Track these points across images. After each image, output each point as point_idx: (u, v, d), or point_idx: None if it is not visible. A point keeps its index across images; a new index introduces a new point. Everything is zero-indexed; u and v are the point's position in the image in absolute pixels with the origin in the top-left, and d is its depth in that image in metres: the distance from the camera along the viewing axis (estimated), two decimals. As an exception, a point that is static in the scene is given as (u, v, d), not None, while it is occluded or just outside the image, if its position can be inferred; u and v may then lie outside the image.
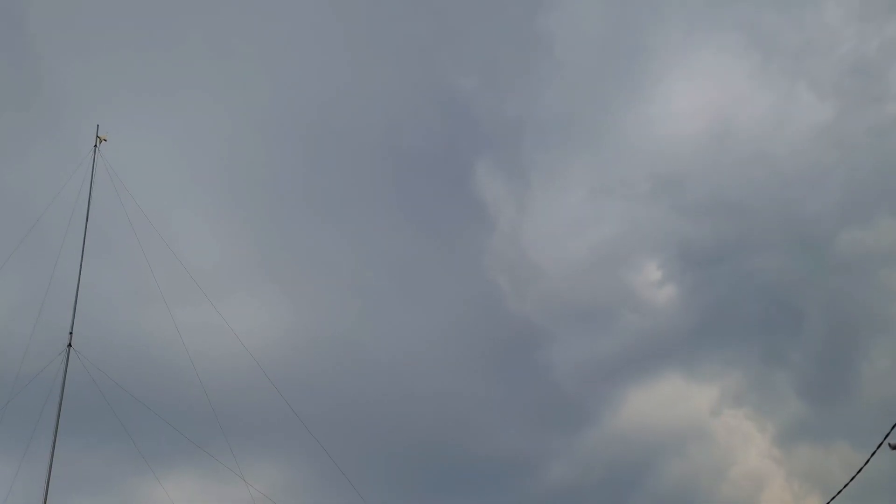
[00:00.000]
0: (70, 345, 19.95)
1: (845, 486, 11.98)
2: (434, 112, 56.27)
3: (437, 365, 48.41)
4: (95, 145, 22.16)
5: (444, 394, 45.63)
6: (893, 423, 10.91)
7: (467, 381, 48.33)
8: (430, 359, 48.87)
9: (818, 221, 49.12)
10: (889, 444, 11.45)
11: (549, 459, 46.24)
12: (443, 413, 44.92)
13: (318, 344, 45.15)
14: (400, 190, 55.57)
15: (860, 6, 52.15)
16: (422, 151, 55.22)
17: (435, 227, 55.75)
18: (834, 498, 12.62)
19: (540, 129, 57.46)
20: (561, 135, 58.50)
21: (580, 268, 53.92)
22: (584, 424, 48.68)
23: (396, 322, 50.78)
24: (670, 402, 50.33)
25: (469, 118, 56.07)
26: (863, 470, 12.35)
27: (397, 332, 50.15)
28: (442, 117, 56.25)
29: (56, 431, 19.27)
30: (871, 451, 12.19)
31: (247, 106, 52.60)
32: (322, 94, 53.96)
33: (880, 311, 44.90)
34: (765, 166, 52.03)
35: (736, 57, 55.84)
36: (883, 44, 49.91)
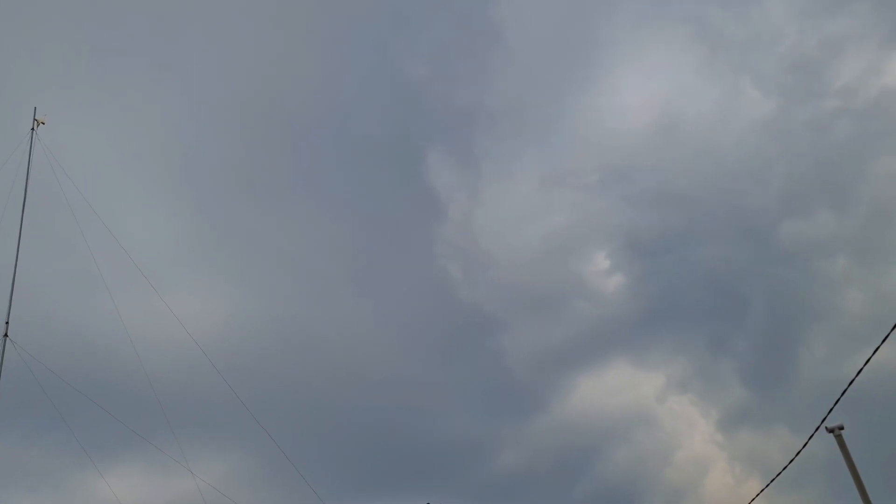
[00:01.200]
0: (6, 335, 19.26)
1: (784, 469, 12.33)
2: (386, 99, 56.01)
3: (388, 352, 48.37)
4: (33, 128, 21.39)
5: (395, 381, 45.66)
6: (829, 408, 11.26)
7: (418, 368, 48.43)
8: (382, 346, 48.79)
9: (761, 213, 50.45)
10: (826, 428, 11.83)
11: (500, 445, 46.73)
12: (394, 400, 44.95)
13: (266, 332, 44.66)
14: (351, 176, 55.19)
15: (802, 3, 53.52)
16: (373, 138, 54.91)
17: (386, 215, 55.58)
18: (773, 480, 12.98)
19: (491, 118, 57.68)
20: (512, 125, 58.80)
21: (531, 256, 54.43)
22: (534, 411, 49.28)
23: (347, 309, 50.55)
24: (618, 388, 51.28)
25: (421, 106, 55.97)
26: (801, 453, 12.71)
27: (348, 320, 49.92)
28: (394, 104, 56.01)
29: (-8, 424, 18.62)
30: (807, 434, 12.57)
31: (192, 90, 51.53)
32: (271, 79, 53.20)
33: (819, 300, 46.38)
34: (710, 159, 53.21)
35: (683, 51, 56.86)
36: (822, 41, 51.32)
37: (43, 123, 21.44)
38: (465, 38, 56.88)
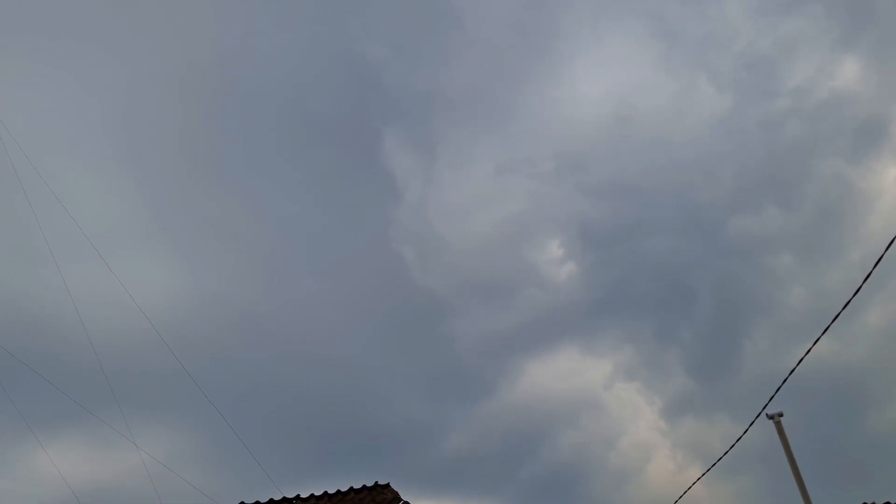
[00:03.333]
0: (-53, 302, 18.72)
1: (724, 454, 12.78)
2: (342, 78, 55.52)
3: (339, 333, 48.28)
4: (-20, 90, 20.74)
5: (345, 362, 45.64)
6: (770, 395, 11.71)
7: (369, 350, 48.49)
8: (333, 327, 48.68)
9: (711, 207, 51.61)
10: (766, 415, 12.30)
11: (448, 428, 47.17)
12: (344, 381, 44.97)
13: (216, 309, 44.14)
14: (304, 155, 54.69)
15: (758, 2, 54.63)
16: (328, 118, 54.45)
17: (340, 196, 55.24)
18: (713, 465, 13.44)
19: (448, 102, 57.70)
20: (469, 110, 58.89)
21: (485, 242, 54.77)
22: (482, 395, 49.84)
23: (298, 289, 50.26)
24: (566, 374, 52.15)
25: (378, 87, 55.63)
26: (741, 440, 13.18)
27: (299, 299, 49.66)
28: (350, 84, 55.58)
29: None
30: (748, 423, 13.04)
31: (147, 60, 50.29)
32: (226, 54, 52.19)
33: (764, 294, 47.80)
34: (664, 152, 54.11)
35: (641, 45, 57.58)
36: (776, 40, 52.55)
37: (-9, 86, 20.77)
38: (424, 21, 56.70)
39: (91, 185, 41.78)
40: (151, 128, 49.47)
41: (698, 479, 14.91)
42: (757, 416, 12.18)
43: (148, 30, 50.11)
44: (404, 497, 15.83)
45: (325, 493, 16.62)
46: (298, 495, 16.75)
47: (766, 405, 12.01)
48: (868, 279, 9.51)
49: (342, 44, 54.72)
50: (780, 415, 12.28)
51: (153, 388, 30.64)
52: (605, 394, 49.14)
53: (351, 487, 16.44)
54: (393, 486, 16.17)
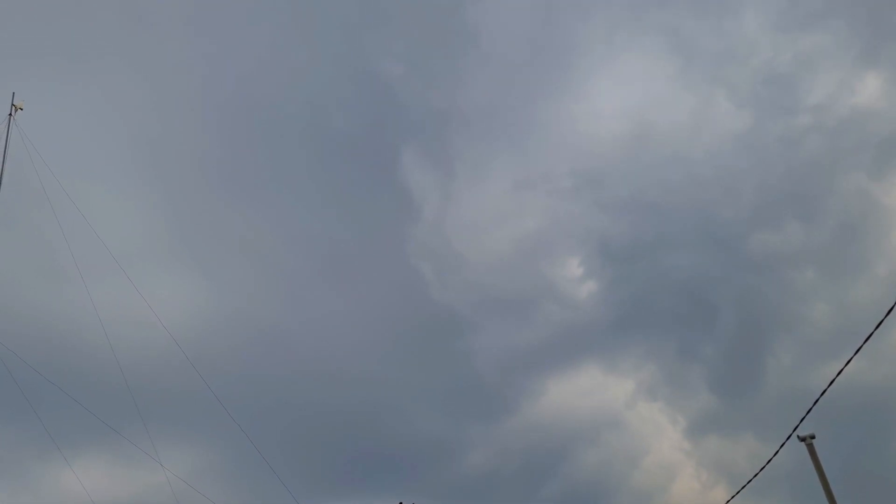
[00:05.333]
0: (-23, 321, 18.95)
1: (755, 476, 12.62)
2: (360, 96, 55.87)
3: (358, 349, 48.28)
4: (10, 114, 21.07)
5: (365, 378, 45.61)
6: (802, 417, 11.56)
7: (388, 367, 48.42)
8: (352, 343, 48.69)
9: (731, 223, 51.25)
10: (797, 437, 12.13)
11: (469, 445, 46.90)
12: (364, 397, 44.91)
13: (238, 326, 44.36)
14: (324, 173, 55.00)
15: (777, 18, 54.46)
16: (347, 135, 54.80)
17: (359, 212, 55.47)
18: (743, 487, 13.28)
19: (465, 120, 57.90)
20: (486, 127, 59.07)
21: (503, 259, 54.72)
22: (503, 412, 49.54)
23: (319, 305, 50.39)
24: (588, 392, 51.73)
25: (396, 105, 55.95)
26: (770, 462, 13.01)
27: (319, 316, 49.76)
28: (368, 102, 55.93)
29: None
30: (775, 442, 12.88)
31: (171, 81, 50.95)
32: (246, 73, 52.78)
33: (786, 309, 47.29)
34: (682, 168, 53.90)
35: (658, 61, 57.50)
36: (796, 56, 52.30)
37: (21, 109, 21.11)
38: (441, 39, 57.05)
39: (116, 204, 42.31)
40: (175, 147, 50.09)
41: (728, 500, 14.73)
42: (787, 438, 12.04)
43: (173, 52, 50.87)
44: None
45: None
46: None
47: (797, 427, 11.87)
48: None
49: (360, 63, 55.23)
50: (812, 437, 12.10)
51: (175, 405, 30.81)
52: (628, 412, 48.72)
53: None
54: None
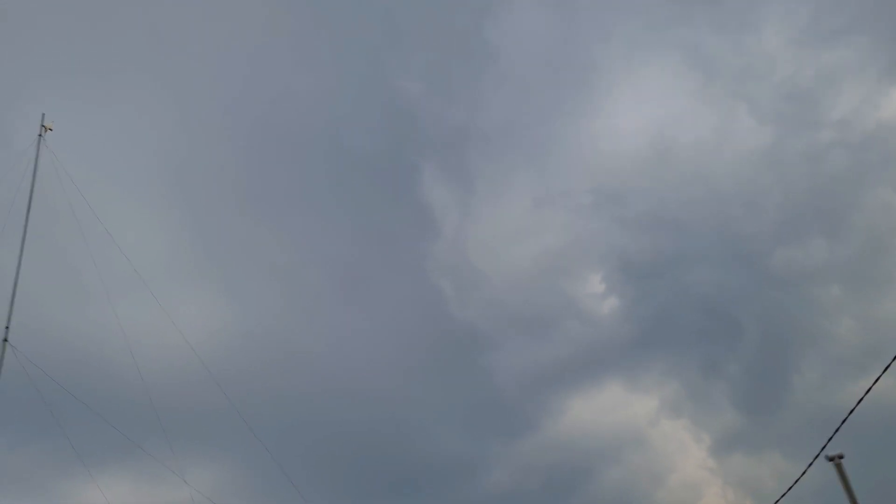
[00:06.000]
0: (6, 339, 19.23)
1: (783, 496, 12.45)
2: (379, 114, 56.35)
3: (379, 367, 48.32)
4: (40, 134, 21.45)
5: (386, 396, 45.60)
6: (830, 436, 11.40)
7: (409, 384, 48.41)
8: (372, 360, 48.76)
9: (755, 239, 50.85)
10: (826, 456, 11.96)
11: (490, 464, 46.68)
12: (385, 415, 44.88)
13: (256, 343, 44.60)
14: (344, 190, 55.40)
15: (799, 33, 54.24)
16: (367, 153, 55.19)
17: (379, 230, 55.75)
18: (771, 507, 13.08)
19: (485, 137, 58.14)
20: (505, 144, 59.27)
21: (523, 276, 54.63)
22: (524, 430, 49.31)
23: (338, 323, 50.56)
24: (610, 410, 51.34)
25: (415, 122, 56.33)
26: (798, 482, 12.84)
27: (339, 333, 49.92)
28: (387, 120, 56.33)
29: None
30: (802, 461, 12.70)
31: (193, 101, 51.70)
32: (269, 91, 53.47)
33: (811, 326, 46.73)
34: (704, 184, 53.66)
35: (678, 77, 57.45)
36: (818, 71, 51.99)
37: (50, 129, 21.48)
38: (460, 57, 57.47)
39: (143, 223, 42.85)
40: (201, 166, 50.74)
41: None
42: (815, 458, 11.88)
43: (198, 71, 51.62)
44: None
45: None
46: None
47: (825, 446, 11.71)
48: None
49: (380, 80, 55.69)
50: (841, 457, 11.92)
51: (200, 422, 31.01)
52: (651, 430, 48.26)
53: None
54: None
